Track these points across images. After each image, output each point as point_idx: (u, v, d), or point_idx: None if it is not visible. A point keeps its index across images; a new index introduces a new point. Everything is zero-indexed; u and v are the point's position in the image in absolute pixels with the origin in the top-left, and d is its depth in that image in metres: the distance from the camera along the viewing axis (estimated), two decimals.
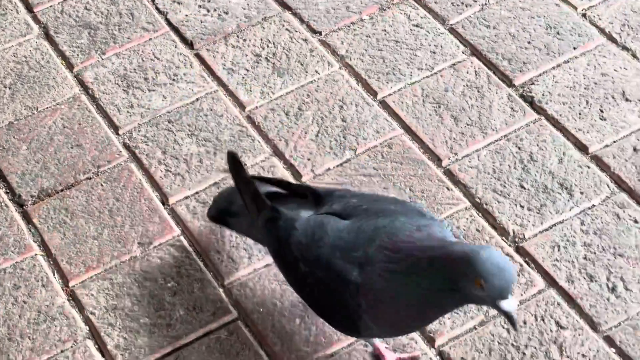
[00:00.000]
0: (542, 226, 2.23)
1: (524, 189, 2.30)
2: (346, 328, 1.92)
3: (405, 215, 1.87)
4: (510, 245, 2.21)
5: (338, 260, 1.86)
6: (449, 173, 2.36)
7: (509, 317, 1.71)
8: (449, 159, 2.38)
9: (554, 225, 2.23)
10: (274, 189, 2.10)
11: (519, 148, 2.38)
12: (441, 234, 1.84)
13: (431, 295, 1.76)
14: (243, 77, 2.59)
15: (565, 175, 2.31)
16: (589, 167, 2.32)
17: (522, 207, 2.26)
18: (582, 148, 2.35)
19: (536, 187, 2.29)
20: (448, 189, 2.33)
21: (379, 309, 1.84)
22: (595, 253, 2.17)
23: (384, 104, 2.50)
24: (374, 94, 2.53)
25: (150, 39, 2.69)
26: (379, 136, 2.44)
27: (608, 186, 2.28)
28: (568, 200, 2.26)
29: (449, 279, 1.72)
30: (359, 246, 1.85)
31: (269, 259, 2.21)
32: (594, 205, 2.25)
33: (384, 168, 2.38)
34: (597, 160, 2.33)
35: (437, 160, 2.39)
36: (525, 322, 2.07)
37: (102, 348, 2.12)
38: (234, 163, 2.07)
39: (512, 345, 2.05)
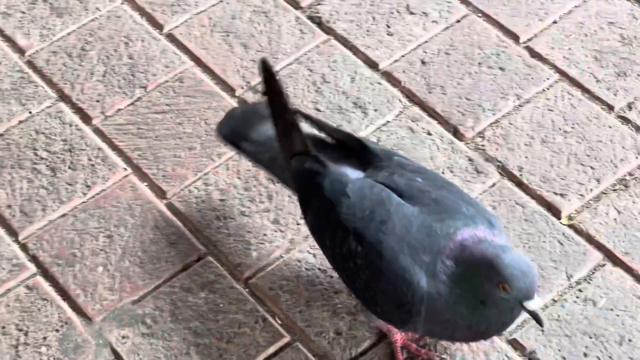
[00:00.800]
0: None
1: (320, 111, 2.28)
2: (390, 320, 1.79)
3: (474, 222, 1.71)
4: None
5: (406, 258, 1.69)
6: (244, 102, 2.32)
7: (535, 316, 1.66)
8: (242, 88, 2.34)
9: None
10: (315, 131, 1.84)
11: (311, 70, 2.36)
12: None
13: (476, 313, 1.68)
14: (20, 21, 2.47)
15: (358, 93, 2.30)
16: (380, 84, 2.32)
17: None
18: (372, 65, 2.35)
19: (331, 108, 2.28)
20: None
21: (436, 323, 1.73)
22: None
23: (171, 37, 2.43)
24: (159, 27, 2.45)
25: None
26: (168, 71, 2.38)
27: (400, 101, 2.29)
28: (363, 119, 2.26)
29: (475, 285, 1.66)
30: (429, 251, 1.68)
31: (66, 208, 2.14)
32: (388, 122, 2.26)
33: (177, 103, 2.32)
34: (388, 76, 2.34)
35: (231, 90, 2.34)
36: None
37: None
38: (268, 77, 1.79)
39: (319, 269, 2.04)
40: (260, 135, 1.97)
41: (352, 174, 1.81)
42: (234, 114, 2.09)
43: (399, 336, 1.91)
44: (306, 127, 1.92)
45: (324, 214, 1.80)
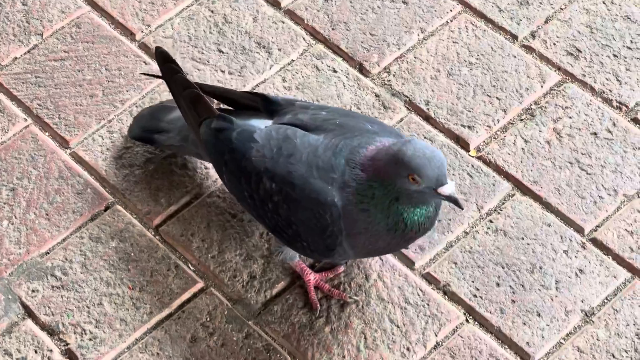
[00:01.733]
0: (245, 88, 2.19)
1: (223, 52, 2.24)
2: (317, 251, 1.78)
3: (382, 136, 1.74)
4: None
5: (316, 180, 1.72)
6: (144, 46, 2.27)
7: (453, 200, 1.66)
8: (142, 31, 2.29)
9: (257, 85, 2.20)
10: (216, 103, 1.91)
11: (212, 11, 2.31)
12: None
13: (390, 211, 1.69)
14: None
15: (261, 33, 2.27)
16: (283, 22, 2.29)
17: (223, 72, 2.21)
18: (275, 4, 2.32)
19: (234, 49, 2.25)
20: (145, 63, 2.24)
21: (357, 235, 1.73)
22: None
23: None
24: None
25: None
26: (65, 16, 2.31)
27: (304, 39, 2.26)
28: (267, 59, 2.23)
29: (388, 184, 1.66)
30: (337, 167, 1.71)
31: None
32: (292, 61, 2.23)
33: (75, 50, 2.26)
34: (291, 14, 2.30)
35: (130, 34, 2.29)
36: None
37: None
38: (165, 62, 1.88)
39: (230, 213, 2.02)
40: (169, 123, 2.02)
41: (260, 124, 1.84)
42: (141, 114, 2.11)
43: (312, 276, 1.91)
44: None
45: (237, 166, 1.82)
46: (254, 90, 2.02)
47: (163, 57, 1.94)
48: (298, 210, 1.76)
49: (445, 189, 1.65)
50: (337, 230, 1.73)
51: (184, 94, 1.90)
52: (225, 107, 1.98)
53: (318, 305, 1.90)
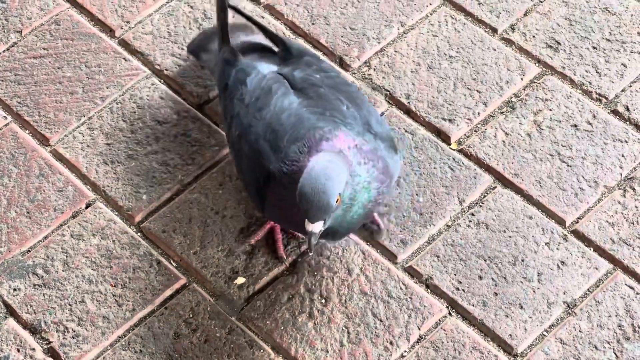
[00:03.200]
0: None
1: None
2: (255, 203, 1.87)
3: (349, 124, 1.79)
4: (196, 109, 2.16)
5: (264, 143, 1.80)
6: (124, 43, 2.26)
7: (308, 239, 1.70)
8: (122, 28, 2.28)
9: None
10: (259, 39, 2.04)
11: (192, 7, 2.31)
12: (373, 154, 1.76)
13: None
14: None
15: None
16: (263, 17, 2.28)
17: (203, 67, 2.21)
18: None
19: None
20: (125, 59, 2.23)
21: (279, 206, 1.80)
22: None
23: None
24: None
25: None
26: (44, 14, 2.30)
27: (284, 33, 2.26)
28: None
29: None
30: (289, 138, 1.77)
31: None
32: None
33: (54, 47, 2.25)
34: (270, 9, 2.30)
35: (110, 31, 2.28)
36: (221, 184, 2.05)
37: None
38: None
39: (212, 209, 2.02)
40: (215, 45, 2.09)
41: (265, 67, 1.94)
42: (204, 31, 2.20)
43: (275, 227, 1.96)
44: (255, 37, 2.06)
45: (229, 101, 1.91)
46: (280, 35, 2.07)
47: None
48: (243, 162, 1.86)
49: (307, 225, 1.69)
50: (261, 193, 1.81)
51: (220, 16, 2.00)
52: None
53: (283, 254, 1.94)
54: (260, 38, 2.07)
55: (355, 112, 1.84)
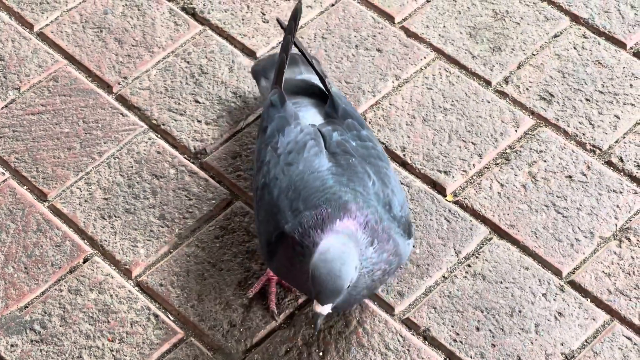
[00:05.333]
0: (222, 138, 2.20)
1: (199, 103, 2.26)
2: (263, 254, 1.88)
3: (369, 200, 1.79)
4: (193, 163, 2.17)
5: (285, 200, 1.81)
6: (121, 99, 2.28)
7: (314, 319, 1.72)
8: (119, 84, 2.30)
9: (234, 135, 2.21)
10: (314, 79, 2.05)
11: (188, 62, 2.33)
12: (385, 234, 1.77)
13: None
14: None
15: (237, 83, 2.29)
16: None
17: (199, 122, 2.23)
18: (250, 53, 2.33)
19: (211, 99, 2.26)
20: (122, 115, 2.25)
21: (282, 264, 1.81)
22: None
23: (42, 36, 2.38)
24: (30, 26, 2.39)
25: None
26: (42, 70, 2.32)
27: None
28: (244, 108, 2.25)
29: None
30: (309, 202, 1.78)
31: None
32: None
33: (52, 103, 2.27)
34: None
35: (107, 87, 2.30)
36: (217, 237, 2.05)
37: None
38: (292, 20, 1.97)
39: (209, 262, 2.02)
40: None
41: (308, 119, 1.94)
42: (272, 56, 2.19)
43: (272, 277, 1.97)
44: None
45: (264, 145, 1.92)
46: (335, 91, 2.04)
47: (293, 15, 1.99)
48: (261, 213, 1.86)
49: (316, 306, 1.71)
50: (273, 250, 1.81)
51: (281, 55, 1.99)
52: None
53: (274, 308, 1.94)
54: (306, 74, 2.08)
55: (380, 189, 1.84)
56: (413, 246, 1.97)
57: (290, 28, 1.99)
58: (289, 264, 1.80)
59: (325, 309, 1.70)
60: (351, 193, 1.79)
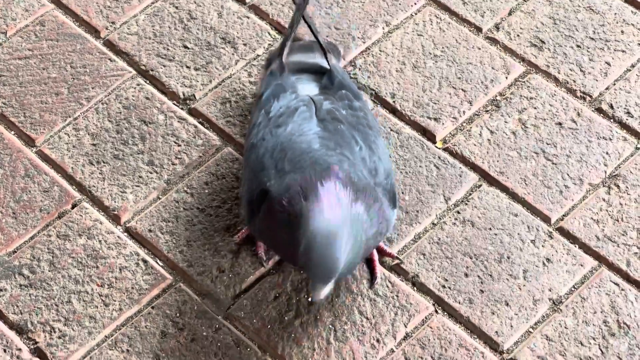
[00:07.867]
0: (211, 84, 2.19)
1: (188, 49, 2.24)
2: (244, 214, 1.87)
3: (355, 165, 1.77)
4: (182, 109, 2.16)
5: (270, 160, 1.80)
6: (109, 44, 2.26)
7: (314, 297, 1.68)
8: (107, 29, 2.28)
9: (223, 81, 2.20)
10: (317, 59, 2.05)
11: (177, 7, 2.31)
12: (369, 197, 1.74)
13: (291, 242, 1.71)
14: None
15: (226, 29, 2.27)
16: (248, 18, 2.29)
17: (188, 67, 2.21)
18: None
19: (200, 45, 2.25)
20: (110, 60, 2.23)
21: (262, 227, 1.79)
22: None
23: None
24: None
25: None
26: (28, 15, 2.30)
27: (269, 34, 2.26)
28: (233, 54, 2.23)
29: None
30: (294, 163, 1.77)
31: None
32: (258, 55, 2.23)
33: (39, 48, 2.25)
34: (255, 9, 2.30)
35: (95, 32, 2.28)
36: (207, 183, 2.05)
37: None
38: (302, 2, 2.01)
39: (198, 208, 2.02)
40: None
41: (304, 90, 1.96)
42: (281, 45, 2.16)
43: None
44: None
45: (258, 110, 1.93)
46: (334, 64, 2.04)
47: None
48: (245, 172, 1.87)
49: (314, 293, 1.66)
50: (254, 210, 1.80)
51: (288, 31, 2.03)
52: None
53: (262, 254, 1.94)
54: (319, 59, 2.05)
55: (367, 154, 1.83)
56: (397, 218, 1.96)
57: (299, 4, 2.01)
58: (271, 229, 1.78)
59: (322, 294, 1.67)
60: (337, 156, 1.78)
